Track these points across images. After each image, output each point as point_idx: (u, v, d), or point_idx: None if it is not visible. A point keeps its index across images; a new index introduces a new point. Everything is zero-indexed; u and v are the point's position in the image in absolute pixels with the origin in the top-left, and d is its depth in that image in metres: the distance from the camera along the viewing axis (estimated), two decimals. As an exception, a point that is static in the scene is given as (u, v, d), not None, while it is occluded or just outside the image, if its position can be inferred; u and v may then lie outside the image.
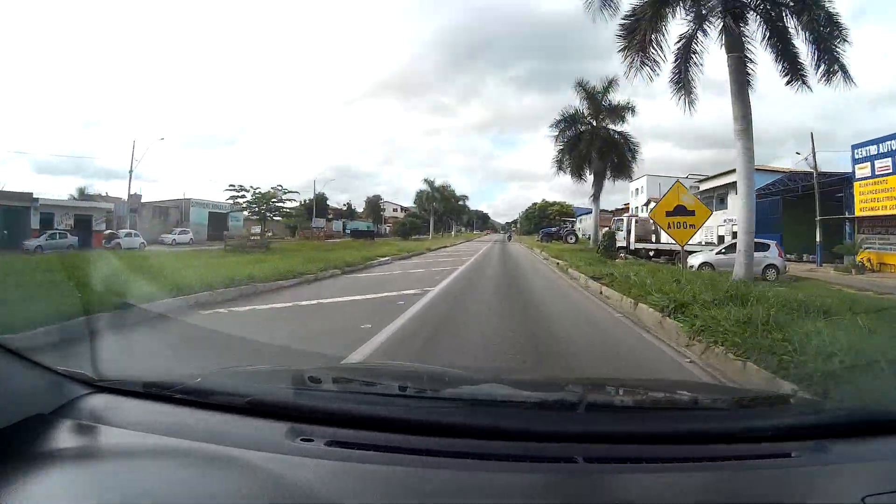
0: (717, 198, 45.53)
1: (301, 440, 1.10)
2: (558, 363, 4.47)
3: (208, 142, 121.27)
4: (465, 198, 74.49)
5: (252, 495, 0.92)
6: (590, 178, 28.15)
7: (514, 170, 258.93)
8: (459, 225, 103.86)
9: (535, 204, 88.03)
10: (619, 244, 22.35)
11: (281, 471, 0.98)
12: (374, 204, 79.91)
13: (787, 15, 10.00)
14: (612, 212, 76.18)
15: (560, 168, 28.04)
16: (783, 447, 1.15)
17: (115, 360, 3.44)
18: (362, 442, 1.09)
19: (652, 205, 60.42)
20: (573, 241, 41.70)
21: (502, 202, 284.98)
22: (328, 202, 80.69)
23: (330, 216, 72.09)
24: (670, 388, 2.35)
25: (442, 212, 66.41)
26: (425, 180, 62.32)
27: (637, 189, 67.74)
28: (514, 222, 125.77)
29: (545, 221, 67.87)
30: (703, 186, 44.86)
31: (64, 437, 1.09)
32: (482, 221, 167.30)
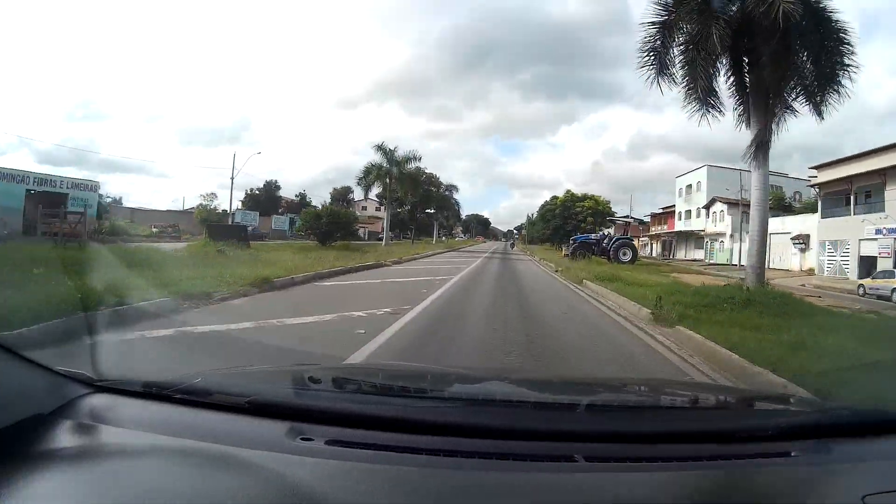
0: (854, 193, 26.77)
1: (301, 440, 1.11)
2: None
3: (210, 138, 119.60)
4: (452, 188, 54.40)
5: (252, 495, 0.94)
6: (722, 95, 11.85)
7: (518, 177, 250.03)
8: (451, 225, 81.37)
9: (554, 198, 56.07)
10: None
11: (281, 470, 1.00)
12: (342, 197, 60.84)
13: None
14: (640, 222, 56.31)
15: (662, 68, 9.24)
16: (783, 447, 1.19)
17: None
18: (362, 441, 1.11)
19: (721, 207, 41.93)
20: (628, 258, 22.92)
21: (504, 210, 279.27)
22: (280, 192, 62.17)
23: (281, 210, 53.57)
24: (671, 387, 2.47)
25: (413, 203, 46.57)
26: (378, 147, 35.98)
27: (689, 186, 48.93)
28: (521, 227, 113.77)
29: (570, 224, 47.47)
30: (827, 176, 25.89)
31: (64, 437, 1.11)
32: (483, 227, 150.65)
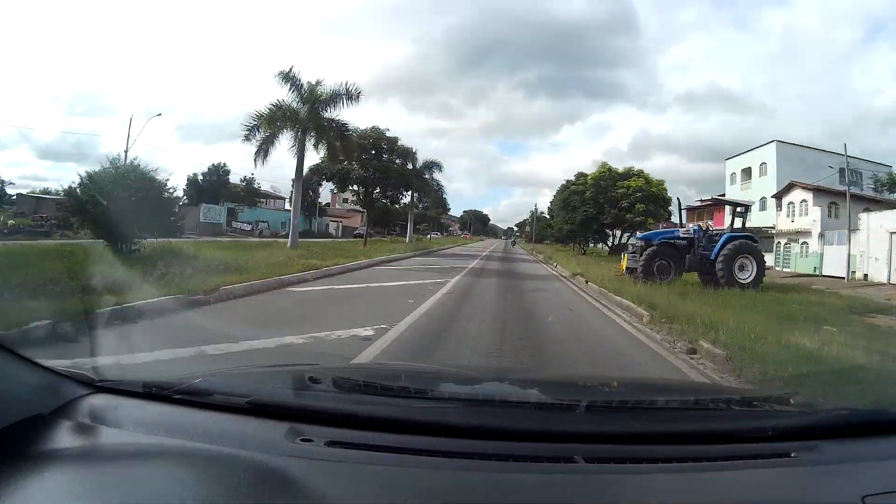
0: None
1: (301, 440, 1.11)
2: None
3: (210, 134, 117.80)
4: (433, 166, 32.97)
5: (252, 495, 0.94)
6: None
7: (519, 176, 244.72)
8: (434, 217, 62.19)
9: (582, 176, 34.63)
10: None
11: (280, 471, 1.00)
12: (307, 186, 47.66)
13: None
14: (667, 217, 42.75)
15: None
16: (783, 447, 1.19)
17: None
18: (362, 442, 1.11)
19: (803, 196, 29.66)
20: (749, 277, 9.07)
21: (505, 208, 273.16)
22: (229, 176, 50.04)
23: (239, 204, 41.90)
24: (670, 388, 2.40)
25: (362, 179, 27.21)
26: (285, 77, 17.83)
27: (748, 169, 36.24)
28: (522, 224, 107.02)
29: (609, 214, 30.25)
30: None
31: (63, 437, 1.10)
32: (482, 223, 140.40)
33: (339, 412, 1.23)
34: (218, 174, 51.83)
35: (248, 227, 41.61)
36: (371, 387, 1.57)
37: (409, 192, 33.40)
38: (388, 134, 26.79)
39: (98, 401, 1.25)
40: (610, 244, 32.61)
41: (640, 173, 30.23)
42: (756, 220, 37.06)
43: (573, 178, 32.97)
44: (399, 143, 27.76)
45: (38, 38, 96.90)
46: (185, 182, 52.79)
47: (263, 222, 45.40)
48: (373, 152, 26.03)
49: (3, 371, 1.14)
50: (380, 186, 27.92)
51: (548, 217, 52.77)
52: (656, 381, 3.36)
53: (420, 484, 0.99)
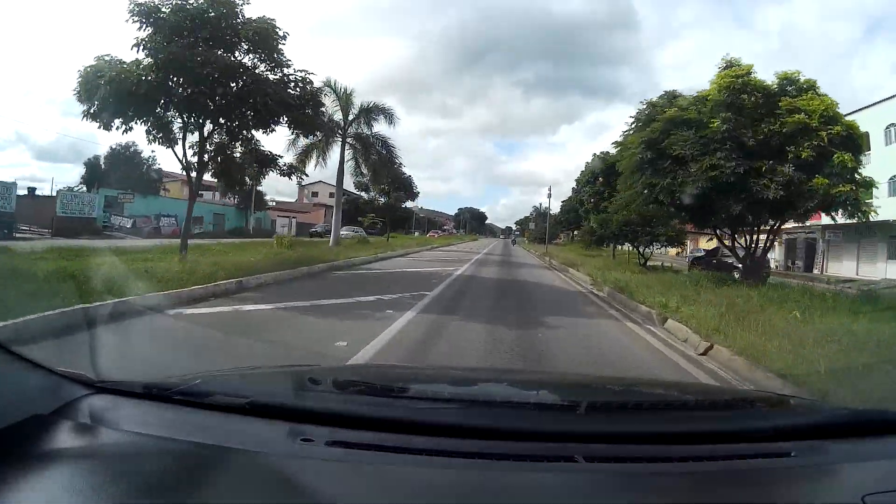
0: None
1: (301, 440, 1.18)
2: None
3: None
4: (379, 111, 19.99)
5: (252, 495, 0.99)
6: None
7: (517, 176, 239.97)
8: (396, 203, 39.02)
9: (672, 98, 12.72)
10: None
11: (281, 471, 1.07)
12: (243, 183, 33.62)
13: None
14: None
15: None
16: (783, 447, 1.25)
17: None
18: (363, 442, 1.18)
19: None
20: None
21: (504, 208, 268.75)
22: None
23: (126, 191, 28.18)
24: (671, 388, 2.55)
25: (164, 100, 9.17)
26: None
27: (866, 134, 22.25)
28: (522, 223, 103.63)
29: (768, 177, 9.28)
30: None
31: (63, 437, 1.16)
32: (478, 222, 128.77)
33: (339, 412, 1.30)
34: (118, 159, 38.47)
35: (128, 224, 28.37)
36: (372, 387, 1.65)
37: (339, 150, 20.27)
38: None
39: (98, 401, 1.30)
40: (737, 247, 14.04)
41: (812, 85, 11.19)
42: (891, 209, 24.24)
43: (655, 99, 13.31)
44: (269, 22, 10.74)
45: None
46: (84, 167, 40.13)
47: (168, 216, 33.15)
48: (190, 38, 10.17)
49: (2, 371, 1.21)
50: (218, 113, 10.76)
51: (579, 199, 35.23)
52: (657, 381, 3.57)
53: (421, 484, 1.04)
